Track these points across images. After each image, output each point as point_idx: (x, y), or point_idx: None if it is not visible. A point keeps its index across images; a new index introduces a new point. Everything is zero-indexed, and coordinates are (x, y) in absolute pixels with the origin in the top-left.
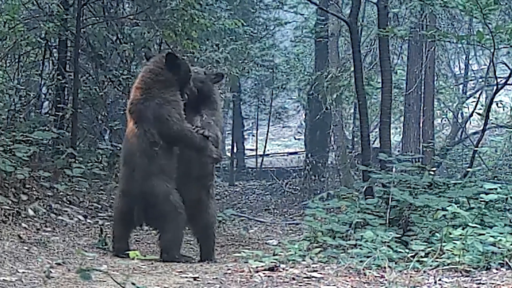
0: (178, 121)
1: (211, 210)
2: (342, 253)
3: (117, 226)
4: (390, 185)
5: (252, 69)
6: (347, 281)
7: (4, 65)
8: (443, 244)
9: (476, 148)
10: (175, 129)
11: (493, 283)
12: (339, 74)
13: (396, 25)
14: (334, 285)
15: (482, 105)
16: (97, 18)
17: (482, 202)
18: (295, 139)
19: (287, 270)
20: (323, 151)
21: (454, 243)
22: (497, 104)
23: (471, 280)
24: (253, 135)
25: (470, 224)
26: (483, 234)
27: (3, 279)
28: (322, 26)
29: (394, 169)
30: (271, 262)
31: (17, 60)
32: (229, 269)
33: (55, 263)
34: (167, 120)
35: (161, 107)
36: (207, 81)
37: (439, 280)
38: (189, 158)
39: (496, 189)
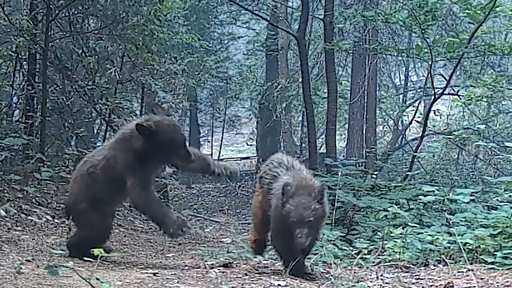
0: (139, 190)
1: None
2: None
3: None
4: (336, 188)
5: (207, 80)
6: (295, 277)
7: None
8: (385, 242)
9: (415, 153)
10: (134, 198)
11: (431, 278)
12: (288, 85)
13: (341, 39)
14: (284, 280)
15: (420, 114)
16: (64, 33)
17: (421, 203)
18: (248, 145)
19: (240, 266)
20: None
21: (395, 241)
22: (434, 113)
23: (410, 275)
24: (209, 141)
25: (409, 223)
26: (422, 233)
27: None
28: (273, 40)
29: (339, 173)
30: (225, 259)
31: None
32: (186, 266)
33: (25, 260)
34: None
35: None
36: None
37: (381, 275)
38: None
39: (433, 191)
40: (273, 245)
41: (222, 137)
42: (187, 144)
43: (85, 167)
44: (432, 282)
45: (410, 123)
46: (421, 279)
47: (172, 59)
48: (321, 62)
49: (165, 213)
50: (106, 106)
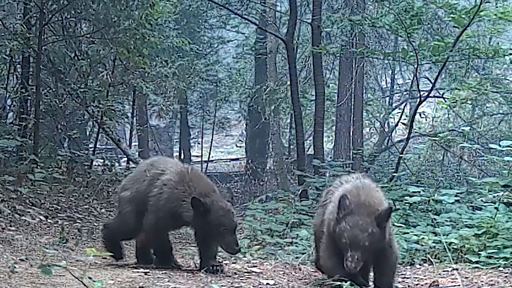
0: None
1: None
2: (279, 250)
3: None
4: (323, 188)
5: (197, 83)
6: (284, 276)
7: None
8: None
9: (401, 155)
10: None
11: (416, 277)
12: (276, 88)
13: (328, 43)
14: (272, 279)
15: (406, 116)
16: (57, 37)
17: (407, 204)
18: (237, 146)
19: (229, 265)
20: (262, 158)
21: None
22: (420, 115)
23: (396, 274)
24: (199, 143)
25: (395, 223)
26: (408, 233)
27: None
28: (261, 44)
29: (326, 174)
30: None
31: None
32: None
33: (19, 259)
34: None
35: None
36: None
37: None
38: None
39: (419, 192)
40: (322, 265)
41: (212, 139)
42: (235, 231)
43: (144, 168)
44: (417, 281)
45: (396, 125)
46: (407, 278)
47: (163, 62)
48: (309, 65)
49: (165, 256)
50: (98, 109)
